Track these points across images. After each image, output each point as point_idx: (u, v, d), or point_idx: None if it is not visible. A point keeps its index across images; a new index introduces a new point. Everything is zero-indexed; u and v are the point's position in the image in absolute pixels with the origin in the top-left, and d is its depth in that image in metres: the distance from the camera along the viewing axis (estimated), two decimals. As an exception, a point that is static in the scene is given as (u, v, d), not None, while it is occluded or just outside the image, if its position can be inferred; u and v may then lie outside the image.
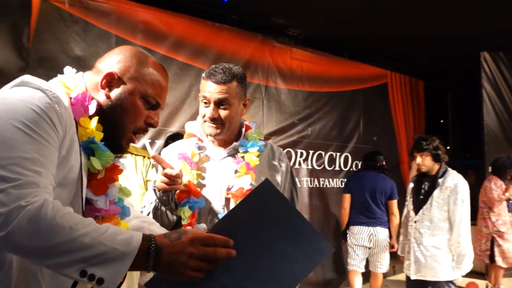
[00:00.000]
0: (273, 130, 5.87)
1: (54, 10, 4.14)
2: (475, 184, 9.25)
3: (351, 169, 6.86)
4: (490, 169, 6.64)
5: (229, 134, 2.22)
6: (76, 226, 1.11)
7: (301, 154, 6.20)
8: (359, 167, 6.63)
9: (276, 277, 1.29)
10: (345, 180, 6.20)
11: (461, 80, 8.91)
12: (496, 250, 6.24)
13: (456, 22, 6.22)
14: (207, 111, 2.12)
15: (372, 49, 7.33)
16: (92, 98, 1.40)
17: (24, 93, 1.24)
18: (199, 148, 2.24)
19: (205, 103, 2.14)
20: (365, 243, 5.46)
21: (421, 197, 4.58)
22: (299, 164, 6.16)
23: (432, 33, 6.61)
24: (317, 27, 6.36)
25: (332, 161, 6.64)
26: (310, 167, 6.32)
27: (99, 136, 1.40)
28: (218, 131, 2.13)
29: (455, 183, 4.40)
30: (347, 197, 5.69)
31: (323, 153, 6.49)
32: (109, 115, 1.43)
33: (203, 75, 2.18)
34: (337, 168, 6.71)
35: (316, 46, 6.62)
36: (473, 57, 7.20)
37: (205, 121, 2.14)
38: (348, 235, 5.61)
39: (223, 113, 2.11)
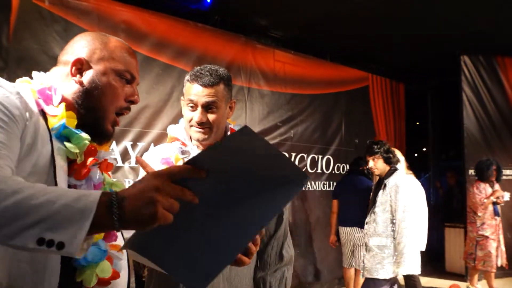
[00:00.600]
0: (256, 132, 5.81)
1: (34, 9, 4.05)
2: (455, 186, 9.38)
3: (333, 172, 6.85)
4: (474, 173, 6.70)
5: (216, 138, 2.12)
6: (21, 189, 0.98)
7: (284, 156, 6.16)
8: (343, 171, 6.72)
9: (255, 214, 1.16)
10: (328, 183, 6.29)
11: (441, 82, 8.98)
12: (478, 253, 6.28)
13: (435, 25, 6.27)
14: (194, 115, 2.03)
15: (353, 51, 7.34)
16: (57, 89, 1.39)
17: None
18: (183, 152, 2.13)
19: (192, 107, 2.04)
20: (347, 242, 5.66)
21: (371, 199, 4.75)
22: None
23: (412, 36, 6.66)
24: (299, 29, 6.34)
25: (314, 163, 6.63)
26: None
27: (71, 122, 1.37)
28: (206, 136, 2.05)
29: (396, 184, 4.50)
30: (335, 202, 5.92)
31: (305, 155, 6.47)
32: (87, 101, 1.41)
33: (187, 77, 2.08)
34: (319, 170, 6.70)
35: (298, 48, 6.60)
36: (452, 59, 7.29)
37: (191, 126, 2.04)
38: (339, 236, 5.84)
39: (211, 117, 2.03)
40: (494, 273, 6.30)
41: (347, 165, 6.87)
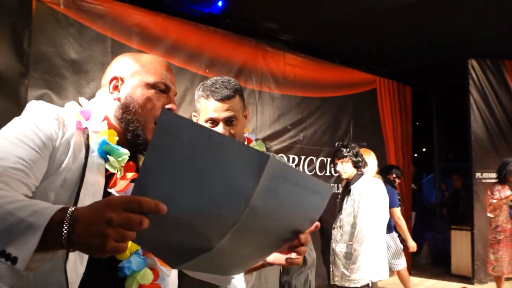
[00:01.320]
0: (266, 135, 5.83)
1: (49, 12, 4.05)
2: (461, 189, 9.42)
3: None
4: (481, 176, 6.72)
5: None
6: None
7: (293, 159, 6.18)
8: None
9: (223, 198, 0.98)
10: (337, 185, 6.30)
11: (446, 85, 9.02)
12: (490, 257, 6.26)
13: (442, 29, 6.29)
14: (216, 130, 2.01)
15: (361, 54, 7.37)
16: (99, 109, 1.49)
17: (28, 110, 1.38)
18: None
19: (212, 123, 2.02)
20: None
21: (338, 204, 4.67)
22: (291, 169, 6.14)
23: (420, 39, 6.68)
24: (308, 32, 6.36)
25: (323, 166, 6.64)
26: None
27: (112, 139, 1.43)
28: None
29: (360, 190, 4.42)
30: (397, 210, 5.91)
31: (314, 158, 6.48)
32: (126, 115, 1.48)
33: (201, 93, 2.06)
34: (328, 173, 6.70)
35: (308, 51, 6.61)
36: (458, 63, 7.30)
37: None
38: None
39: (232, 130, 2.03)
40: (503, 279, 6.24)
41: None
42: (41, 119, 1.32)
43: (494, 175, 6.89)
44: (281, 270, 2.15)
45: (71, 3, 4.17)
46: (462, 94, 7.55)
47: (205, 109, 2.02)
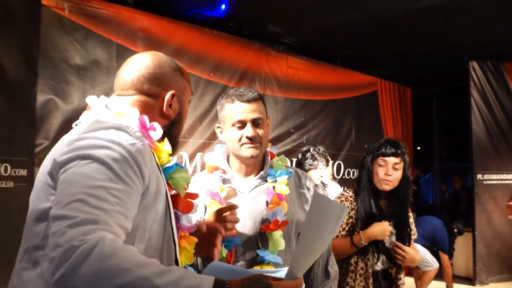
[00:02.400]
0: (270, 139, 5.78)
1: (55, 17, 4.04)
2: (461, 190, 9.44)
3: (344, 177, 6.87)
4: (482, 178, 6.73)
5: (259, 160, 2.12)
6: (134, 267, 0.98)
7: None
8: (354, 176, 6.73)
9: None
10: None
11: (446, 87, 9.04)
12: None
13: (443, 32, 6.31)
14: (244, 132, 2.01)
15: (363, 56, 7.37)
16: (151, 121, 1.38)
17: (109, 135, 1.19)
18: (224, 181, 2.11)
19: (239, 126, 2.03)
20: None
21: None
22: (295, 173, 6.13)
23: (421, 42, 6.69)
24: (311, 35, 6.35)
25: (325, 169, 6.62)
26: (305, 176, 6.29)
27: (168, 154, 1.41)
28: (258, 151, 2.03)
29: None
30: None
31: (317, 161, 6.47)
32: (173, 130, 1.48)
33: (224, 101, 2.08)
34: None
35: (310, 54, 6.62)
36: (459, 64, 7.31)
37: (242, 144, 2.02)
38: None
39: (260, 132, 2.03)
40: None
41: (357, 170, 6.91)
42: (132, 147, 1.21)
43: (495, 176, 6.91)
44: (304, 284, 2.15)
45: (76, 8, 4.16)
46: (463, 96, 7.57)
47: (231, 113, 2.03)
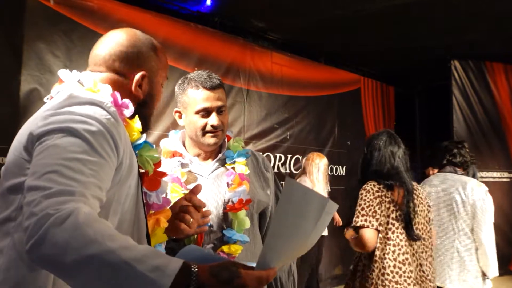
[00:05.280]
0: (253, 134, 5.86)
1: (40, 8, 4.02)
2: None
3: (327, 174, 6.91)
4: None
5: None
6: (103, 240, 0.95)
7: (280, 158, 6.22)
8: (343, 172, 6.93)
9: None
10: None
11: (429, 86, 9.13)
12: None
13: (426, 31, 6.38)
14: (209, 120, 2.00)
15: (347, 54, 7.43)
16: (123, 98, 1.36)
17: (84, 110, 1.19)
18: (182, 165, 2.09)
19: (203, 114, 2.01)
20: None
21: None
22: (278, 168, 6.18)
23: (404, 40, 6.76)
24: (295, 32, 6.40)
25: (308, 165, 6.67)
26: (288, 171, 6.34)
27: (139, 131, 1.40)
28: (219, 140, 2.06)
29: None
30: None
31: (300, 157, 6.52)
32: (143, 110, 1.45)
33: (186, 85, 2.05)
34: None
35: (294, 50, 6.67)
36: (441, 64, 7.40)
37: (206, 132, 2.02)
38: None
39: (223, 119, 2.05)
40: None
41: (340, 167, 6.97)
42: (108, 121, 1.20)
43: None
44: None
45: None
46: (445, 94, 7.67)
47: (195, 100, 2.01)
